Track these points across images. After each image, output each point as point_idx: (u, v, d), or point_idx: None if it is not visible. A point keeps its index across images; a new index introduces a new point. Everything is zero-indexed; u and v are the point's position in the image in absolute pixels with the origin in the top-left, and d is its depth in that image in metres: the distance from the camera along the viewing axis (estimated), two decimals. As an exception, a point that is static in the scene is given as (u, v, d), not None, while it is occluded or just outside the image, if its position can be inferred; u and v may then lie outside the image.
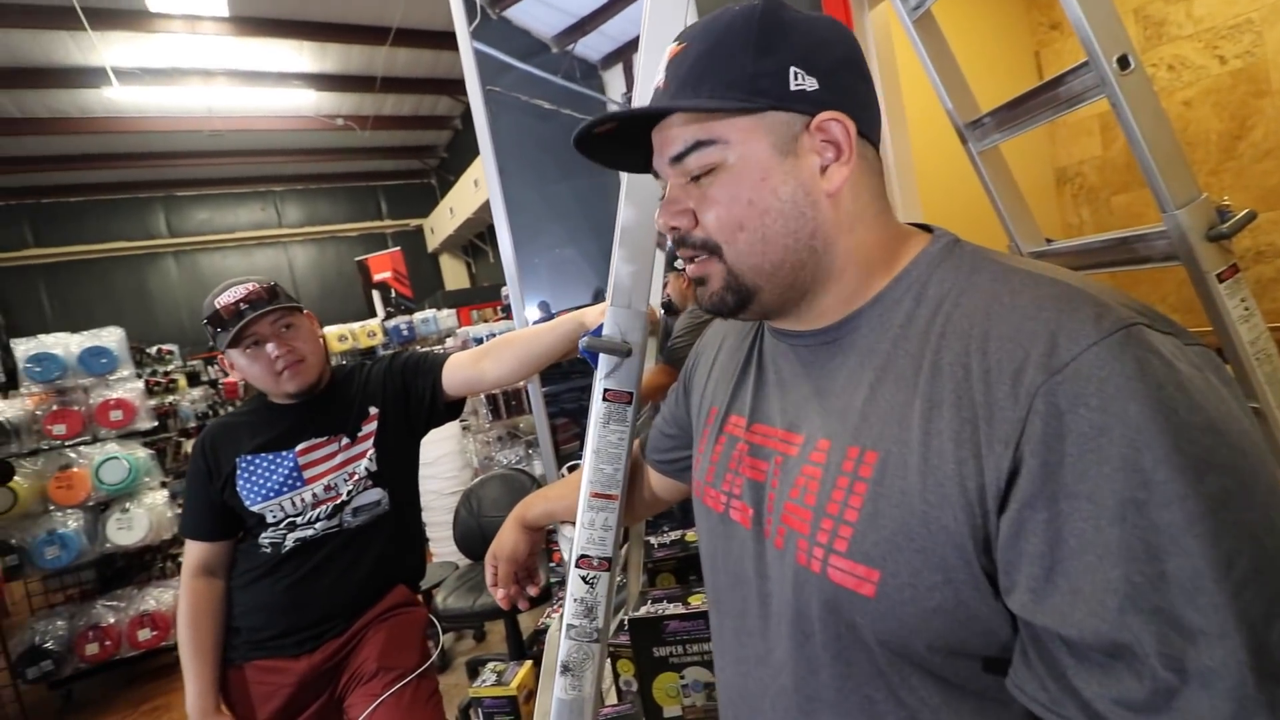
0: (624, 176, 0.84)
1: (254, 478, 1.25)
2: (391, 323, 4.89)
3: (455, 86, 7.53)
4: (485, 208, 7.31)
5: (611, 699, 1.50)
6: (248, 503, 1.24)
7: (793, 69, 0.48)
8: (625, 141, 0.56)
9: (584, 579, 0.84)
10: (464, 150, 8.43)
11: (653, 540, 1.70)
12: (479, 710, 1.82)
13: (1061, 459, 0.37)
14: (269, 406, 1.32)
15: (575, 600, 0.84)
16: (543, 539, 0.97)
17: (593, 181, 1.99)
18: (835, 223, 0.51)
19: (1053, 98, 0.99)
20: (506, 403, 3.53)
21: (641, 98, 0.84)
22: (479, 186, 7.20)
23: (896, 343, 0.48)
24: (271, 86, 6.64)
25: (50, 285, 8.28)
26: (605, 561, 0.83)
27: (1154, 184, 0.89)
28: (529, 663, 1.88)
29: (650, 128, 0.54)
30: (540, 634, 2.05)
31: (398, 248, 6.88)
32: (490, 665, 1.91)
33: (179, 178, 8.71)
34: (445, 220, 8.77)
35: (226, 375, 7.19)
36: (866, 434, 0.47)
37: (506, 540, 0.93)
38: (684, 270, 0.55)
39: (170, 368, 5.23)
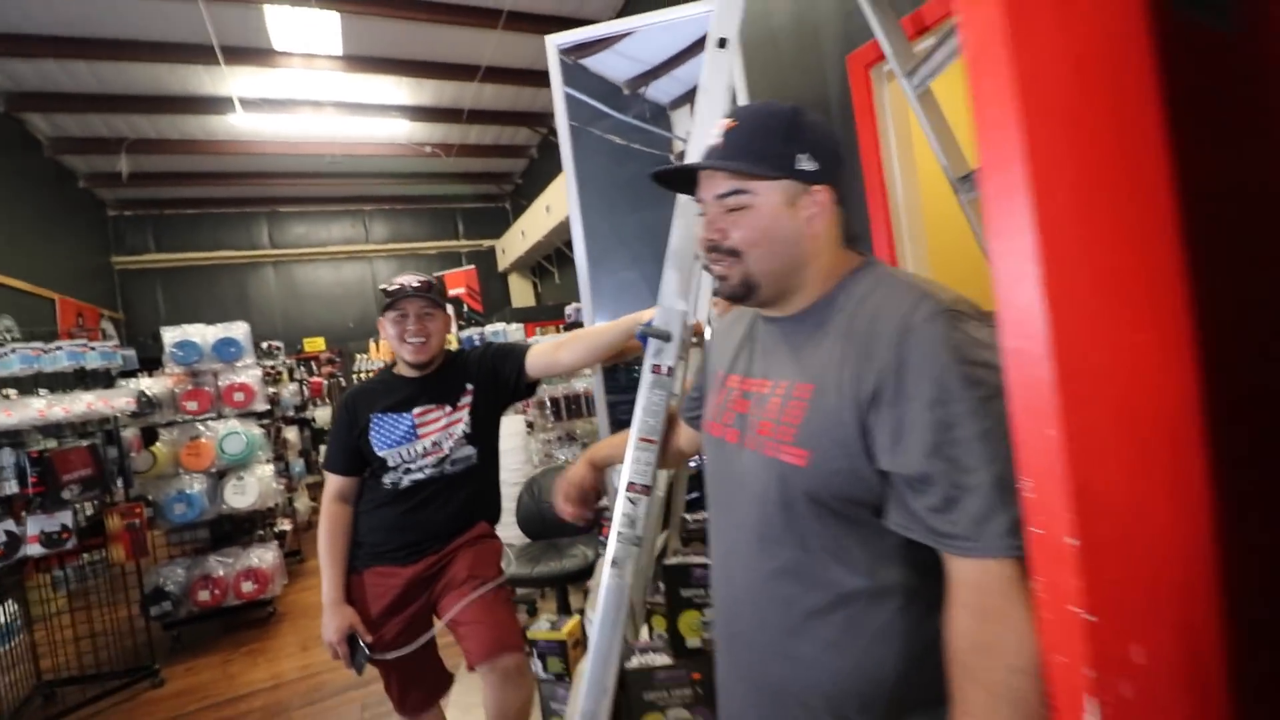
0: (677, 205, 1.17)
1: (382, 430, 1.63)
2: (464, 334, 5.34)
3: (534, 119, 8.12)
4: (554, 232, 7.80)
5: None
6: (375, 449, 1.62)
7: (799, 155, 0.77)
8: (684, 176, 0.88)
9: (630, 499, 1.15)
10: (538, 178, 9.00)
11: (689, 517, 2.00)
12: (534, 649, 2.15)
13: (903, 381, 0.67)
14: (395, 377, 1.71)
15: (623, 515, 1.15)
16: (603, 477, 1.28)
17: (657, 214, 2.31)
18: (812, 251, 0.80)
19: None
20: (567, 407, 3.89)
21: (696, 144, 1.17)
22: (549, 212, 7.69)
23: (836, 321, 0.78)
24: (372, 116, 7.35)
25: (165, 287, 9.24)
26: (646, 488, 1.14)
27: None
28: (576, 617, 2.20)
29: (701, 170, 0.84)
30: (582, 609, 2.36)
31: (472, 266, 7.42)
32: (544, 615, 2.25)
33: (282, 195, 9.61)
34: (517, 242, 9.34)
35: (313, 375, 7.86)
36: (808, 373, 0.77)
37: (577, 472, 1.26)
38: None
39: (277, 362, 5.84)
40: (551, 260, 9.54)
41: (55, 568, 3.13)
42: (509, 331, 5.47)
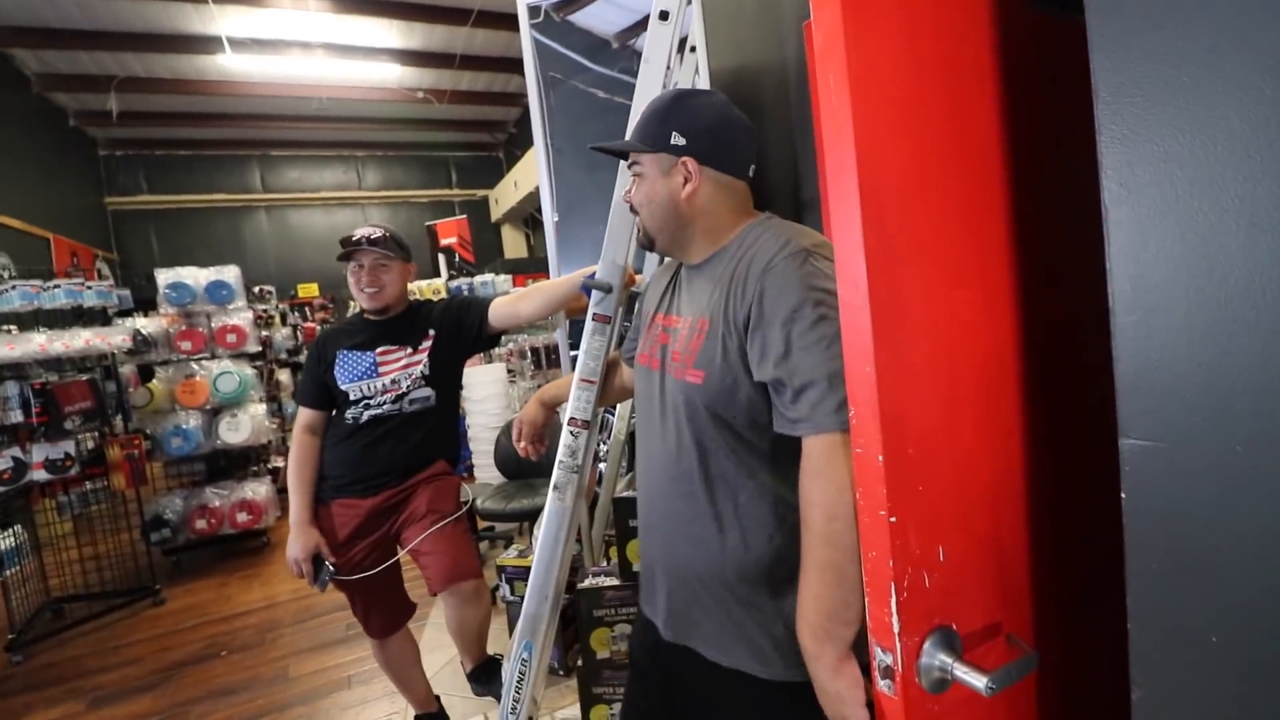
0: (620, 170, 1.29)
1: (345, 366, 1.77)
2: (454, 283, 5.44)
3: (528, 66, 7.99)
4: (547, 183, 7.77)
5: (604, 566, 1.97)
6: (339, 382, 1.77)
7: (674, 132, 0.94)
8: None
9: (572, 433, 1.29)
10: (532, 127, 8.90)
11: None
12: (503, 574, 2.34)
13: (763, 308, 0.83)
14: (363, 320, 1.84)
15: (565, 446, 1.30)
16: (552, 414, 1.43)
17: (635, 170, 2.36)
18: (689, 213, 0.96)
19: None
20: (547, 357, 4.04)
21: (636, 111, 1.28)
22: (543, 162, 7.65)
23: (726, 266, 0.93)
24: (362, 60, 7.25)
25: (159, 229, 9.22)
26: (586, 422, 1.29)
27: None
28: (544, 548, 2.38)
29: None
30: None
31: (464, 216, 7.45)
32: (514, 544, 2.43)
33: (274, 138, 9.49)
34: (509, 192, 9.31)
35: (307, 320, 7.98)
36: (706, 310, 0.93)
37: (530, 411, 1.40)
38: None
39: (269, 306, 5.95)
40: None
41: (60, 494, 3.32)
42: (498, 282, 5.57)
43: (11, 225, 5.84)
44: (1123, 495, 0.57)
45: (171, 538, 3.54)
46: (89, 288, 3.12)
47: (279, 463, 4.81)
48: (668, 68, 1.26)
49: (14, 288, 2.85)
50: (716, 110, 0.96)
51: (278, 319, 5.97)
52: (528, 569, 2.29)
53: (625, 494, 1.77)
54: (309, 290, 9.33)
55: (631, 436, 2.02)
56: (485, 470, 3.73)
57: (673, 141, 0.93)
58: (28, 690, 2.62)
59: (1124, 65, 0.51)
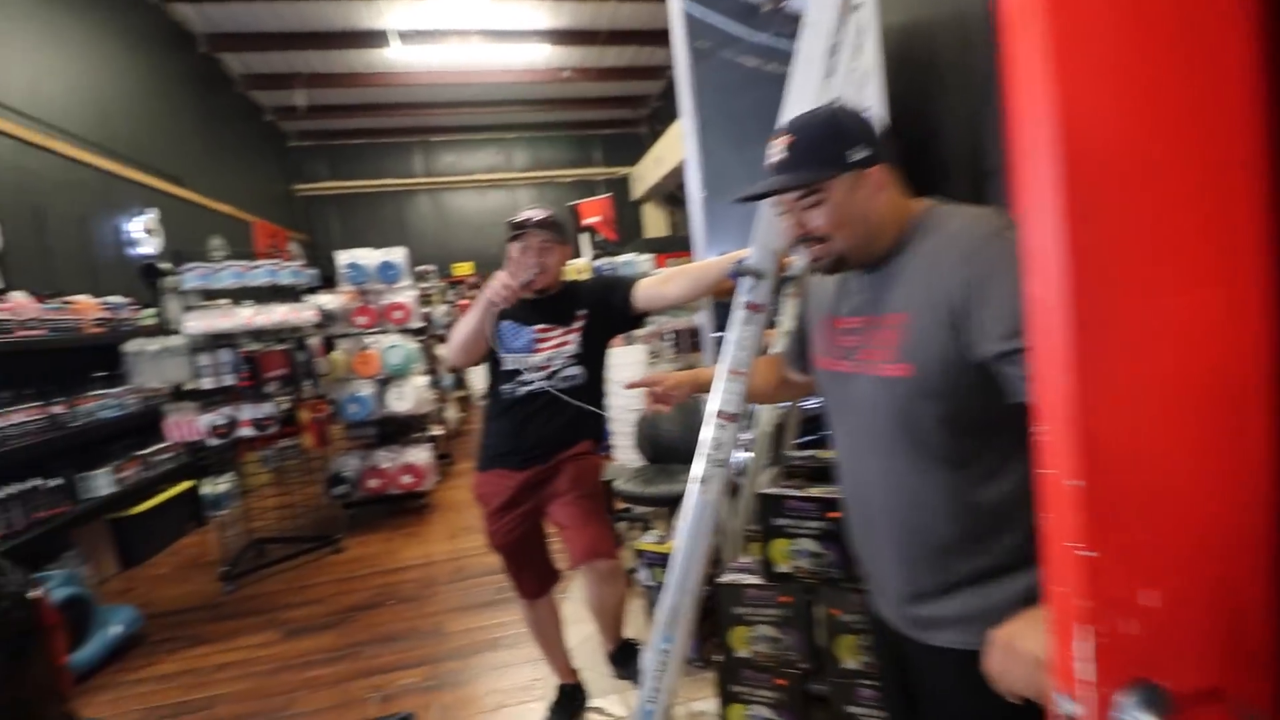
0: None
1: (506, 335, 1.85)
2: (598, 263, 5.54)
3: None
4: (687, 158, 7.69)
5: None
6: (499, 348, 1.84)
7: (854, 147, 0.92)
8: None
9: (719, 426, 1.25)
10: (675, 101, 8.84)
11: (794, 454, 2.07)
12: (643, 558, 2.36)
13: (982, 287, 0.83)
14: (524, 299, 1.89)
15: (711, 439, 1.26)
16: (693, 395, 1.38)
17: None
18: (881, 218, 0.94)
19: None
20: (690, 340, 4.01)
21: (798, 95, 1.18)
22: (684, 137, 7.57)
23: (914, 260, 0.92)
24: (514, 43, 7.54)
25: (338, 212, 10.29)
26: (734, 416, 1.23)
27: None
28: (682, 533, 2.37)
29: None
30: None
31: (609, 194, 7.56)
32: (653, 529, 2.44)
33: (434, 124, 10.20)
34: (652, 169, 9.32)
35: (462, 299, 8.55)
36: (898, 305, 0.92)
37: (685, 380, 1.37)
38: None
39: (429, 284, 6.43)
40: (685, 189, 9.46)
41: (260, 449, 3.82)
42: (641, 262, 5.58)
43: (224, 211, 6.75)
44: None
45: (348, 493, 3.97)
46: (285, 267, 3.52)
47: (438, 431, 5.23)
48: (832, 30, 1.15)
49: (227, 268, 3.30)
50: (859, 112, 0.98)
51: (437, 296, 6.42)
52: (666, 555, 2.30)
53: (769, 490, 1.70)
54: (463, 269, 9.98)
55: (778, 429, 1.93)
56: (624, 451, 3.80)
57: (854, 158, 0.92)
58: (236, 617, 3.05)
59: None
